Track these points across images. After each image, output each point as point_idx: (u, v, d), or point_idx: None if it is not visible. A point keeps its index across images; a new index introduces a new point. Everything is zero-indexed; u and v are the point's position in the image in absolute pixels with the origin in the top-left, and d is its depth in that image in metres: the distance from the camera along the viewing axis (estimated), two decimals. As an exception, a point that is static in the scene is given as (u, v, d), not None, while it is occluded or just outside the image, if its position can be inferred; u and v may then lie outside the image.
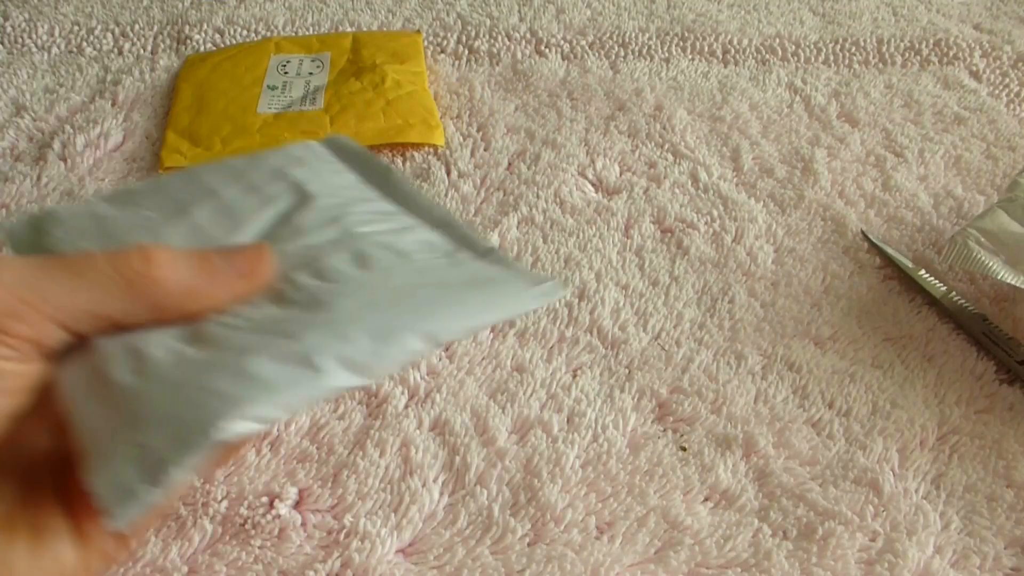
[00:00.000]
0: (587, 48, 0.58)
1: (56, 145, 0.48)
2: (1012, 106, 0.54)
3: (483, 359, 0.37)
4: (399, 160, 0.48)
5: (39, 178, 0.46)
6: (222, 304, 0.23)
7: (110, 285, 0.21)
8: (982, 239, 0.39)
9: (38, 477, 0.23)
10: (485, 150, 0.49)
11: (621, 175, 0.48)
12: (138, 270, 0.22)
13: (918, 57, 0.58)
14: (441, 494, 0.32)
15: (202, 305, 0.22)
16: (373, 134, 0.49)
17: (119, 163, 0.48)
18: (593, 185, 0.47)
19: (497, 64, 0.57)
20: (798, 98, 0.54)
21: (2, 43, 0.57)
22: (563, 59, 0.57)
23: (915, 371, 0.38)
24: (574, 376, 0.37)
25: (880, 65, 0.58)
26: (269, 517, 0.31)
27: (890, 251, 0.42)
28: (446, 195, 0.46)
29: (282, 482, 0.32)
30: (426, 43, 0.58)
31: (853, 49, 0.59)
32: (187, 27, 0.58)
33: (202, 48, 0.57)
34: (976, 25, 0.61)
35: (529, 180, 0.47)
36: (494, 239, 0.43)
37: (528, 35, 0.59)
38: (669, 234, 0.44)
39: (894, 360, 0.38)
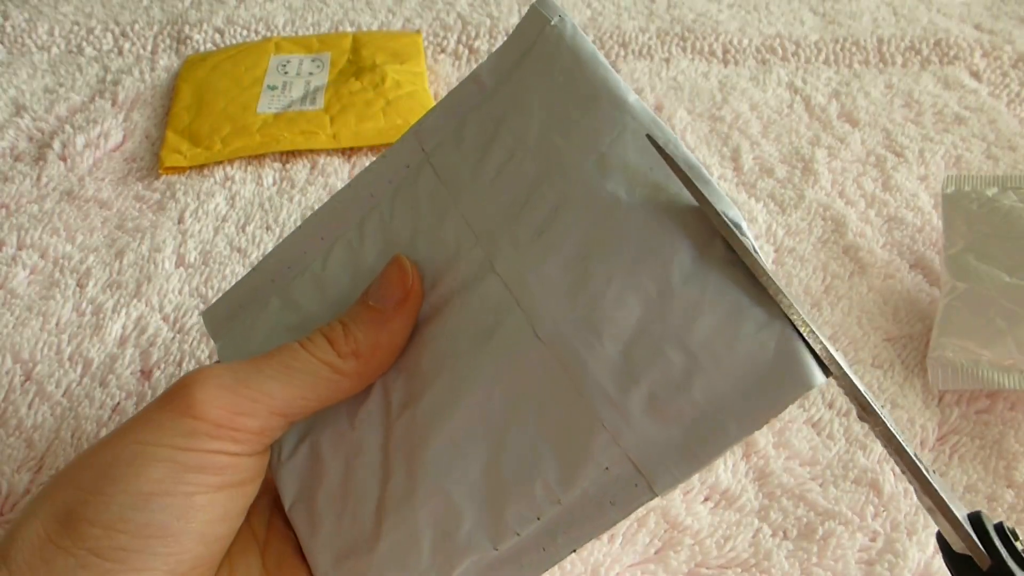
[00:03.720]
0: (587, 48, 0.58)
1: (56, 145, 0.48)
2: (1012, 106, 0.54)
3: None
4: (399, 160, 0.48)
5: (39, 178, 0.46)
6: (405, 338, 0.25)
7: (319, 373, 0.24)
8: (952, 352, 0.37)
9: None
10: (485, 150, 0.49)
11: (621, 175, 0.48)
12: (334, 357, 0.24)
13: (918, 57, 0.58)
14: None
15: (392, 354, 0.25)
16: (373, 134, 0.49)
17: (119, 163, 0.48)
18: (593, 185, 0.47)
19: (497, 64, 0.57)
20: (798, 98, 0.54)
21: (2, 43, 0.57)
22: (563, 59, 0.57)
23: (915, 371, 0.38)
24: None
25: (880, 65, 0.58)
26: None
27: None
28: (446, 195, 0.46)
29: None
30: (426, 43, 0.58)
31: (853, 49, 0.59)
32: (187, 27, 0.58)
33: (202, 48, 0.57)
34: (976, 25, 0.61)
35: (529, 180, 0.47)
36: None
37: (528, 35, 0.59)
38: (669, 234, 0.44)
39: (894, 360, 0.38)
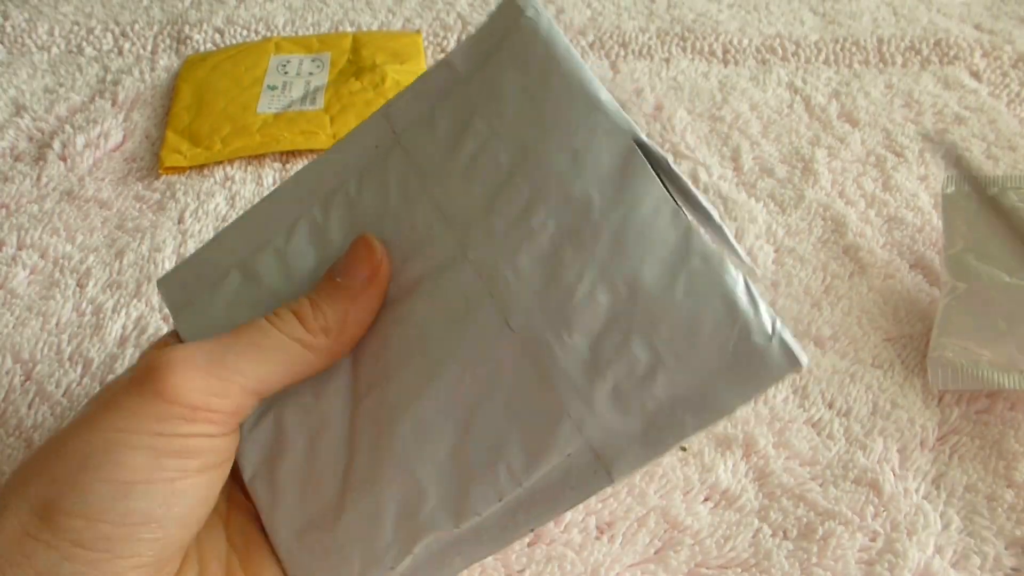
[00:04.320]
0: (587, 48, 0.58)
1: (56, 145, 0.48)
2: (1012, 106, 0.54)
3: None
4: (399, 160, 0.48)
5: (39, 178, 0.46)
6: (373, 315, 0.25)
7: (290, 350, 0.23)
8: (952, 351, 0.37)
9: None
10: (485, 150, 0.49)
11: (621, 175, 0.48)
12: (304, 333, 0.24)
13: (918, 57, 0.58)
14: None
15: (360, 331, 0.25)
16: (373, 134, 0.49)
17: (119, 163, 0.48)
18: (593, 185, 0.47)
19: (497, 64, 0.57)
20: (798, 98, 0.54)
21: (2, 43, 0.57)
22: (563, 59, 0.57)
23: (915, 371, 0.38)
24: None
25: (880, 65, 0.58)
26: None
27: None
28: (446, 195, 0.46)
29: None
30: (426, 43, 0.58)
31: (853, 49, 0.59)
32: (187, 27, 0.58)
33: (202, 48, 0.57)
34: (976, 25, 0.61)
35: (529, 180, 0.47)
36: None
37: (528, 35, 0.59)
38: (669, 234, 0.44)
39: (894, 360, 0.38)
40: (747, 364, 0.21)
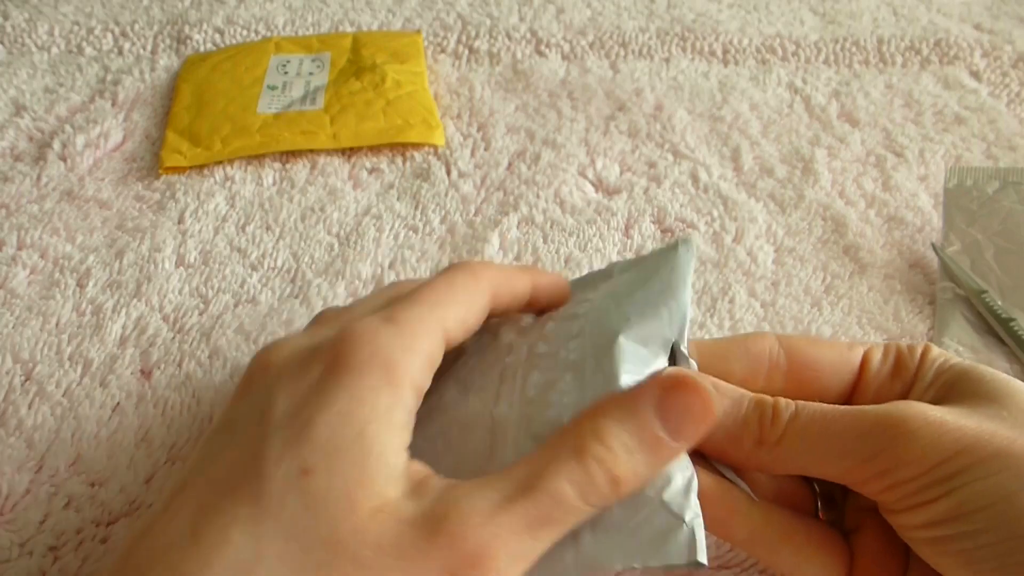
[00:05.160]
0: (587, 48, 0.58)
1: (56, 145, 0.48)
2: (1012, 106, 0.54)
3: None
4: (399, 160, 0.48)
5: (39, 178, 0.46)
6: None
7: None
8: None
9: None
10: (485, 150, 0.49)
11: (621, 175, 0.48)
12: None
13: (918, 57, 0.58)
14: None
15: None
16: (373, 134, 0.49)
17: (119, 163, 0.48)
18: (593, 185, 0.47)
19: (497, 64, 0.57)
20: (798, 98, 0.54)
21: (2, 43, 0.57)
22: (563, 59, 0.57)
23: (915, 371, 0.38)
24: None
25: (880, 65, 0.58)
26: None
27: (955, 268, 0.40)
28: (446, 195, 0.46)
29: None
30: (426, 43, 0.58)
31: (853, 49, 0.59)
32: (187, 27, 0.58)
33: (202, 48, 0.57)
34: (976, 25, 0.61)
35: (529, 180, 0.47)
36: (494, 239, 0.43)
37: (528, 35, 0.59)
38: (669, 234, 0.44)
39: (894, 360, 0.38)
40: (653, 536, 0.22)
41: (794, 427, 0.25)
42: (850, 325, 0.40)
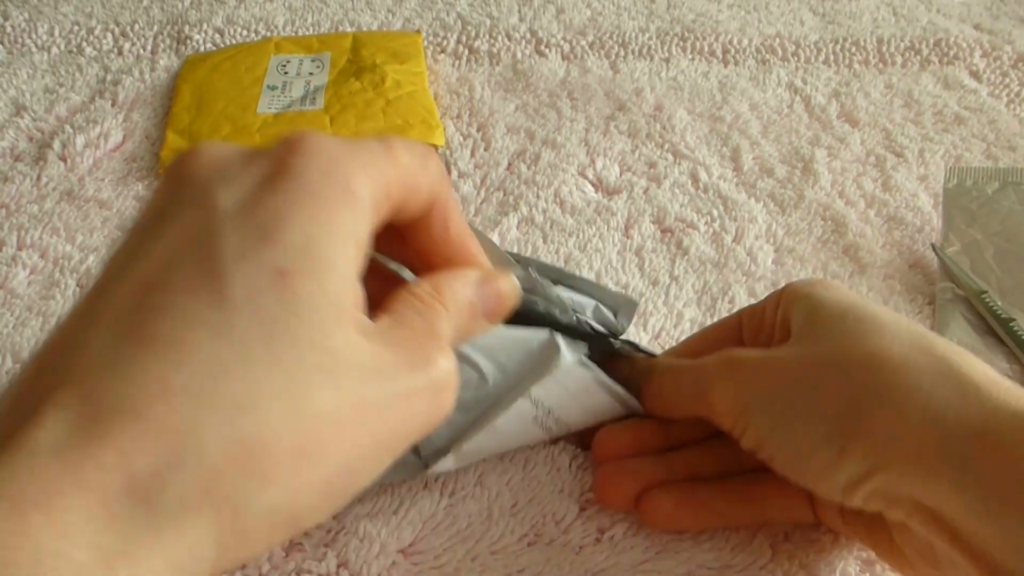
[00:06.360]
0: (587, 48, 0.58)
1: (56, 145, 0.48)
2: (1012, 106, 0.54)
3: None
4: (399, 160, 0.48)
5: (39, 178, 0.46)
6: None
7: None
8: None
9: None
10: (485, 150, 0.49)
11: (621, 175, 0.48)
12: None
13: (918, 57, 0.58)
14: (441, 495, 0.32)
15: None
16: (373, 134, 0.49)
17: (119, 163, 0.48)
18: (593, 185, 0.47)
19: (497, 64, 0.57)
20: (798, 98, 0.54)
21: (2, 43, 0.57)
22: (563, 59, 0.57)
23: (915, 371, 0.38)
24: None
25: (880, 65, 0.58)
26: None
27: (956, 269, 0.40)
28: (446, 195, 0.46)
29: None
30: (426, 43, 0.58)
31: (853, 49, 0.59)
32: (187, 27, 0.58)
33: (202, 48, 0.57)
34: (976, 25, 0.61)
35: (529, 180, 0.47)
36: (494, 239, 0.43)
37: (528, 35, 0.59)
38: (669, 234, 0.44)
39: (894, 360, 0.38)
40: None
41: (661, 380, 0.30)
42: (850, 325, 0.40)
